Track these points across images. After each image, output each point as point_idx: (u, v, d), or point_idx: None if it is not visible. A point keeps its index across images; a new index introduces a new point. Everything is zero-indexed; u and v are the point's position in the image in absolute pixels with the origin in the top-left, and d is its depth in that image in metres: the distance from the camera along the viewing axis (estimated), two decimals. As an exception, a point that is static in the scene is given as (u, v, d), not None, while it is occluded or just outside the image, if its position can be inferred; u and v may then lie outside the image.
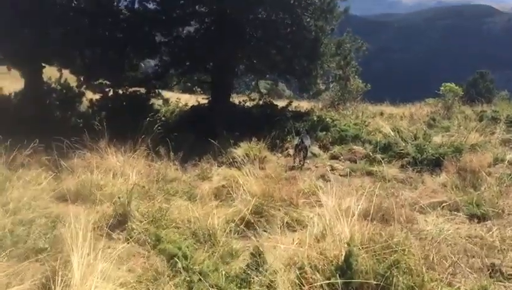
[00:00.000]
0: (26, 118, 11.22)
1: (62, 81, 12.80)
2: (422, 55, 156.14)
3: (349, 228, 4.80)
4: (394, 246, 4.24)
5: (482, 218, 6.35)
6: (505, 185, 7.51)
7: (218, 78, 13.57)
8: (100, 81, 11.87)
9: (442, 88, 18.71)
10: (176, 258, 3.46)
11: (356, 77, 20.17)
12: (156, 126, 9.01)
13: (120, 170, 7.36)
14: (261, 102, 15.17)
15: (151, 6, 12.45)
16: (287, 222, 5.78)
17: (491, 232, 5.75)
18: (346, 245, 3.74)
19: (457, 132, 12.70)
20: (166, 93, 17.56)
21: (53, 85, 12.78)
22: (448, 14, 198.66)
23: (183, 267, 3.45)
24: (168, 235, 3.67)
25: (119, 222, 5.45)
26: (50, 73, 13.20)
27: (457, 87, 18.58)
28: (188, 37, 13.40)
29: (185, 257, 3.54)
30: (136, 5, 12.26)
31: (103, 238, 5.04)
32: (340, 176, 9.10)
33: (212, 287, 3.24)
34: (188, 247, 3.76)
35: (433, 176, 8.79)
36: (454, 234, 5.70)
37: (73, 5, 10.90)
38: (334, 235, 4.74)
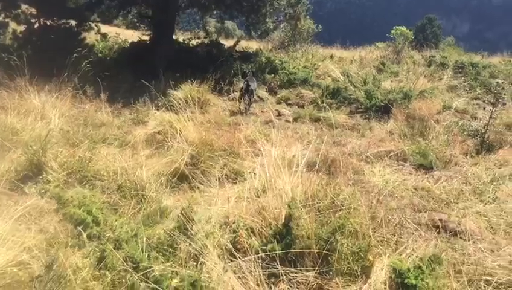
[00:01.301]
0: None
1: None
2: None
3: (292, 182, 4.38)
4: (340, 204, 3.86)
5: (429, 168, 6.16)
6: (452, 133, 7.33)
7: (159, 13, 12.40)
8: (22, 10, 10.52)
9: (393, 31, 18.39)
10: (80, 228, 2.87)
11: (307, 17, 19.42)
12: (84, 63, 8.04)
13: (41, 112, 6.52)
14: (206, 41, 14.22)
15: None
16: (226, 174, 5.30)
17: (437, 184, 5.55)
18: (287, 207, 3.28)
19: (406, 77, 12.50)
20: (107, 28, 16.13)
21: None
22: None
23: (93, 235, 2.88)
24: (76, 195, 3.06)
25: (34, 173, 4.74)
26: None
27: (408, 31, 18.33)
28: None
29: (97, 222, 2.95)
30: None
31: (12, 192, 4.38)
32: (287, 122, 8.66)
33: (126, 260, 2.70)
34: (101, 209, 3.16)
35: (381, 123, 8.53)
36: (401, 185, 5.46)
37: None
38: (275, 189, 4.32)
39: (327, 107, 9.41)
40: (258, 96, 10.39)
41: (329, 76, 12.77)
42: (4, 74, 7.18)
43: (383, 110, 9.05)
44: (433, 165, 6.16)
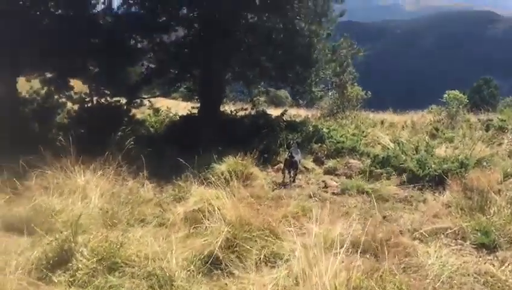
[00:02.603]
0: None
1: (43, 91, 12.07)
2: (425, 61, 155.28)
3: (333, 268, 3.98)
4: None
5: (492, 248, 5.51)
6: (517, 207, 6.62)
7: (206, 87, 12.74)
8: (75, 91, 11.11)
9: (446, 96, 17.84)
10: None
11: (355, 84, 19.34)
12: (129, 141, 8.14)
13: (82, 192, 6.52)
14: (253, 111, 14.34)
15: (132, 9, 11.68)
16: (264, 257, 4.94)
17: (503, 268, 4.91)
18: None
19: (462, 143, 11.85)
20: (163, 101, 16.74)
21: (33, 95, 12.02)
22: (450, 20, 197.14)
23: None
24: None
25: (64, 260, 4.58)
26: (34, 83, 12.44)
27: (461, 95, 17.72)
28: (174, 43, 12.62)
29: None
30: (115, 9, 11.54)
31: (39, 282, 4.21)
32: (333, 194, 8.25)
33: None
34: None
35: (436, 195, 7.94)
36: (460, 270, 4.87)
37: (47, 9, 10.18)
38: (315, 277, 3.94)
39: (376, 177, 8.97)
40: (304, 167, 10.09)
41: (378, 143, 12.33)
42: (51, 153, 7.33)
43: (438, 181, 8.45)
44: (496, 245, 5.51)
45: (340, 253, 4.10)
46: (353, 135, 13.16)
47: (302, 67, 12.27)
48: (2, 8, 9.37)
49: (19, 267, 4.33)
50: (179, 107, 17.12)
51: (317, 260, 4.14)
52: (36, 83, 11.73)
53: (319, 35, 12.07)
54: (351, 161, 10.51)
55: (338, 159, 10.77)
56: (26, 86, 11.94)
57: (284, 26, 11.87)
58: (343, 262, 4.12)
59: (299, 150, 9.59)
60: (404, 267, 4.84)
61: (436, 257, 5.14)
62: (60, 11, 10.66)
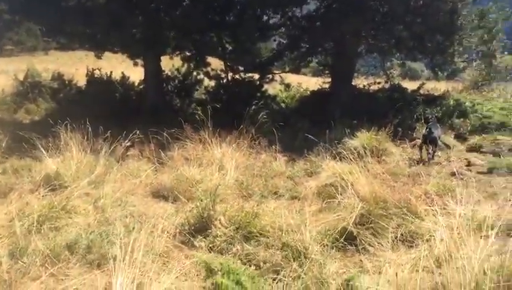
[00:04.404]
0: (146, 105, 11.48)
1: (183, 69, 12.90)
2: None
3: (481, 251, 3.61)
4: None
5: None
6: None
7: (337, 61, 12.43)
8: (212, 67, 11.67)
9: None
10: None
11: (505, 53, 17.30)
12: (261, 115, 8.31)
13: (219, 164, 6.84)
14: (387, 85, 13.66)
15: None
16: (400, 236, 4.68)
17: None
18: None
19: None
20: (292, 77, 16.82)
21: (175, 73, 12.92)
22: None
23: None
24: (225, 263, 2.88)
25: (204, 226, 4.84)
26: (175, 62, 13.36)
27: None
28: (306, 17, 12.46)
29: (245, 293, 2.74)
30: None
31: (183, 246, 4.51)
32: (479, 173, 7.54)
33: None
34: (253, 278, 2.95)
35: None
36: None
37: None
38: (462, 259, 3.61)
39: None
40: (444, 144, 9.37)
41: (534, 118, 10.96)
42: (191, 127, 7.79)
43: None
44: None
45: (491, 236, 3.70)
46: (502, 108, 11.88)
47: (443, 36, 11.29)
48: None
49: (165, 230, 4.68)
50: (309, 82, 16.98)
51: (464, 241, 3.80)
52: (177, 61, 12.57)
53: (464, 0, 10.96)
54: (500, 137, 9.54)
55: (484, 136, 9.85)
56: (169, 64, 12.87)
57: (424, -9, 10.97)
58: (494, 246, 3.72)
59: (438, 125, 8.94)
60: None
61: None
62: (198, -9, 11.15)
